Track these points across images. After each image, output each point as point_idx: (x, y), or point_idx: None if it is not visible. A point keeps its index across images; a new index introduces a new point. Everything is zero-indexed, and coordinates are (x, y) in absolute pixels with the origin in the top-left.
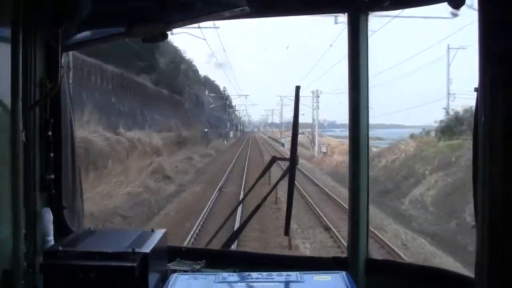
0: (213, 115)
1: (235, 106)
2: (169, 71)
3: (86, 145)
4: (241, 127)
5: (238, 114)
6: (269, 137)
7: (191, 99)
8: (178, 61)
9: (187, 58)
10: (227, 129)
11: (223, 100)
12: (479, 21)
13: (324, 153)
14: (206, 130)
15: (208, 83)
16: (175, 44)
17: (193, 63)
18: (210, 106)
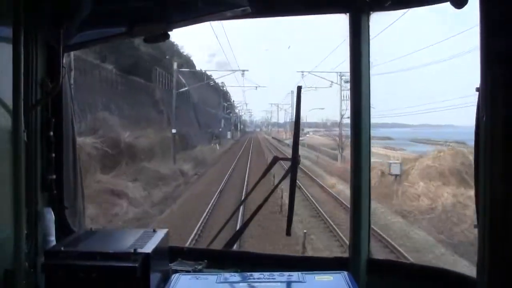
0: (203, 111)
1: (233, 101)
2: (144, 51)
3: None
4: (242, 127)
5: (238, 112)
6: (273, 137)
7: (169, 88)
8: (171, 53)
9: (184, 53)
10: (220, 129)
11: (204, 78)
12: (480, 20)
13: (397, 176)
14: (173, 131)
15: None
16: (172, 39)
17: (191, 58)
18: (181, 90)
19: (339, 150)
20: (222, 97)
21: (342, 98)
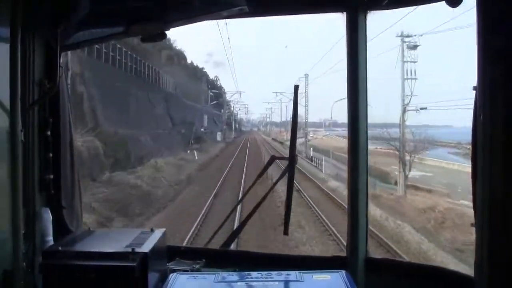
0: (182, 104)
1: (223, 89)
2: None
3: None
4: (237, 126)
5: (232, 109)
6: (273, 139)
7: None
8: (161, 45)
9: (177, 48)
10: (203, 129)
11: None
12: (478, 17)
13: None
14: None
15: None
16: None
17: (184, 53)
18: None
19: (402, 168)
20: (206, 83)
21: (405, 75)
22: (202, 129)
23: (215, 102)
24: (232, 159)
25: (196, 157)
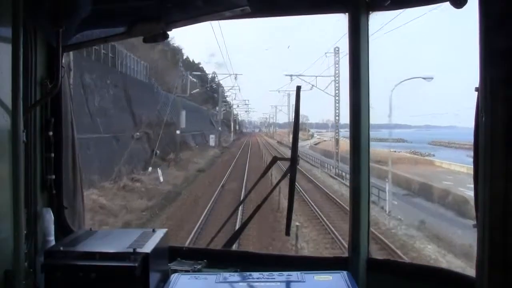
0: (161, 98)
1: (216, 77)
2: None
3: None
4: (238, 127)
5: (230, 108)
6: (278, 142)
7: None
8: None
9: (175, 45)
10: (179, 131)
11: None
12: (480, 16)
13: None
14: None
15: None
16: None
17: (182, 51)
18: None
19: None
20: (181, 64)
21: None
22: (178, 132)
23: (197, 90)
24: (223, 179)
25: (161, 179)
